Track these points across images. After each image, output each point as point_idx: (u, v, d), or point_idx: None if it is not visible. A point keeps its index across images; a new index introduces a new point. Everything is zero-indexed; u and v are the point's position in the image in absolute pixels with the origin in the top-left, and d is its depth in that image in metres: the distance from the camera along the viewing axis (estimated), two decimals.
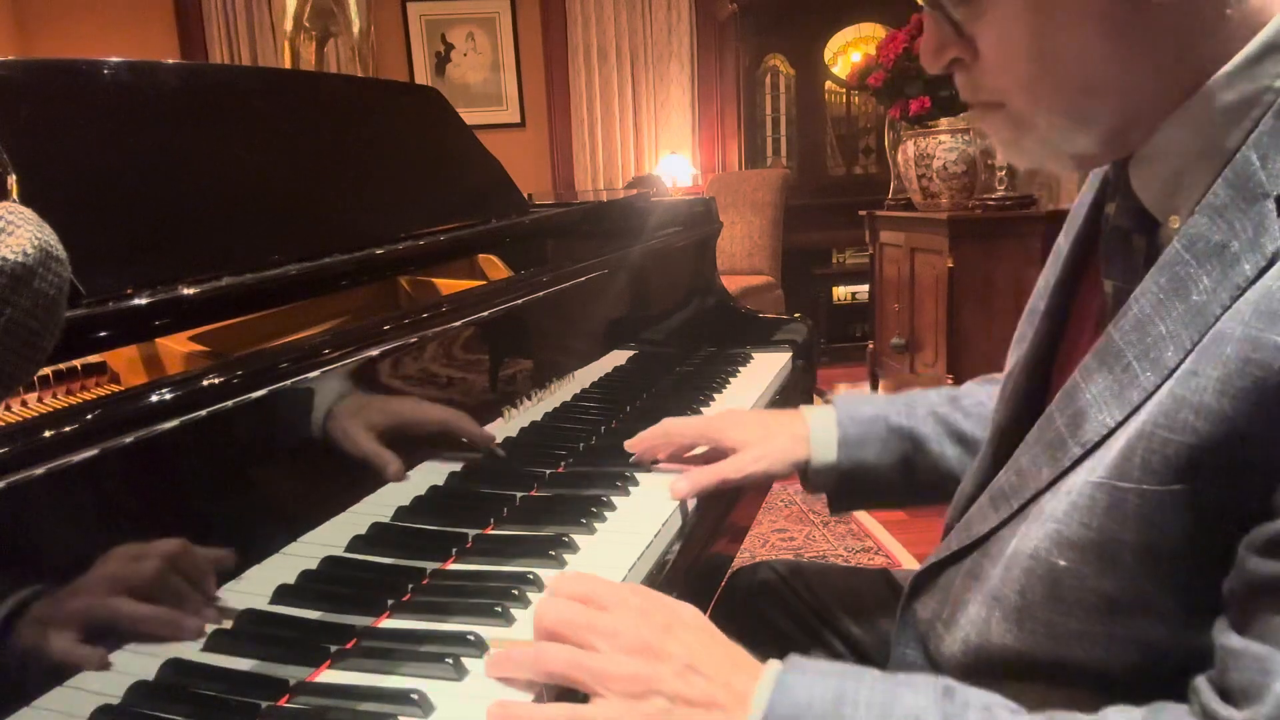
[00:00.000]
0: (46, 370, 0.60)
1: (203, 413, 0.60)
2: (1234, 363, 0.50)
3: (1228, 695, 0.51)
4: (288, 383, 0.67)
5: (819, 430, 0.93)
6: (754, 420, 0.97)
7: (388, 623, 0.71)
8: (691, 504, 0.93)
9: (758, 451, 0.91)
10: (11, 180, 0.67)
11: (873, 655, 0.92)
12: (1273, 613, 0.50)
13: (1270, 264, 0.52)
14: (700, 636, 0.61)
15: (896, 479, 0.92)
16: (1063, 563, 0.59)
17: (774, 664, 0.59)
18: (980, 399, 0.94)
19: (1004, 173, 3.01)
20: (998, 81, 0.63)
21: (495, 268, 1.11)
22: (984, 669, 0.65)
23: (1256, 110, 0.55)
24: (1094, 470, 0.58)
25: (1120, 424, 0.57)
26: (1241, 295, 0.52)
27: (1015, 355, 0.77)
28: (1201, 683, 0.53)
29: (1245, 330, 0.50)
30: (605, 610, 0.61)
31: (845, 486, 0.93)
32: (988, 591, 0.65)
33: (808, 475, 0.94)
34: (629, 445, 0.99)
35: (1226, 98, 0.56)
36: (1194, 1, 0.55)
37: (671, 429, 0.98)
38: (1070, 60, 0.59)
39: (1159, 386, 0.55)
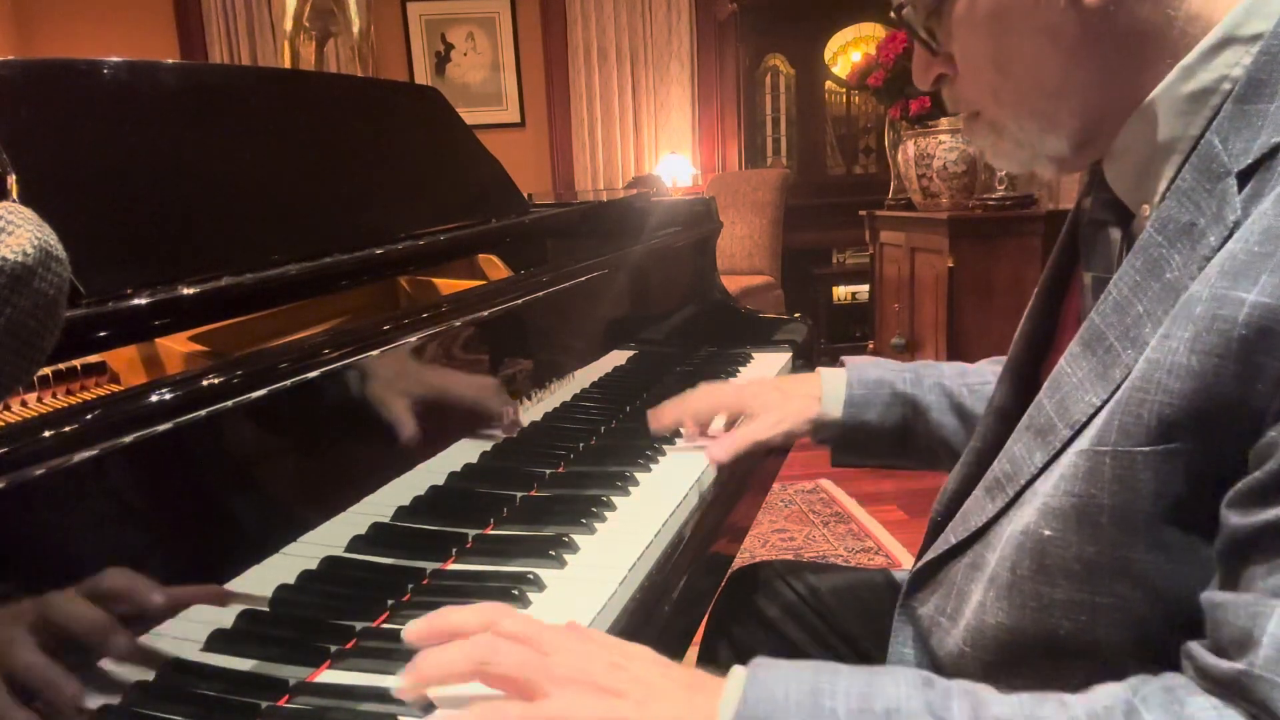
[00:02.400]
0: (46, 370, 0.60)
1: (202, 413, 0.60)
2: (1202, 321, 0.52)
3: (1221, 651, 0.50)
4: (287, 383, 0.67)
5: (830, 389, 1.02)
6: (773, 386, 1.08)
7: (388, 623, 0.71)
8: (692, 504, 0.94)
9: (779, 414, 1.01)
10: (11, 180, 0.67)
11: (873, 655, 0.92)
12: (1255, 562, 0.50)
13: (1232, 232, 0.54)
14: (653, 666, 0.58)
15: (893, 440, 1.00)
16: (1048, 532, 0.60)
17: (739, 669, 0.57)
18: (987, 377, 0.98)
19: (1004, 172, 3.01)
20: (971, 92, 0.69)
21: (495, 268, 1.11)
22: (981, 655, 0.65)
23: (1216, 98, 0.58)
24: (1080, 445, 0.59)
25: (1105, 401, 0.58)
26: (1208, 263, 0.55)
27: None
28: (1194, 645, 0.52)
29: (1211, 290, 0.52)
30: (546, 655, 0.56)
31: (845, 441, 1.02)
32: (987, 577, 0.65)
33: (816, 428, 1.02)
34: (652, 414, 1.05)
35: (1187, 89, 0.59)
36: (1132, 12, 0.59)
37: (694, 403, 1.06)
38: (1028, 68, 0.64)
39: (1139, 360, 0.56)
